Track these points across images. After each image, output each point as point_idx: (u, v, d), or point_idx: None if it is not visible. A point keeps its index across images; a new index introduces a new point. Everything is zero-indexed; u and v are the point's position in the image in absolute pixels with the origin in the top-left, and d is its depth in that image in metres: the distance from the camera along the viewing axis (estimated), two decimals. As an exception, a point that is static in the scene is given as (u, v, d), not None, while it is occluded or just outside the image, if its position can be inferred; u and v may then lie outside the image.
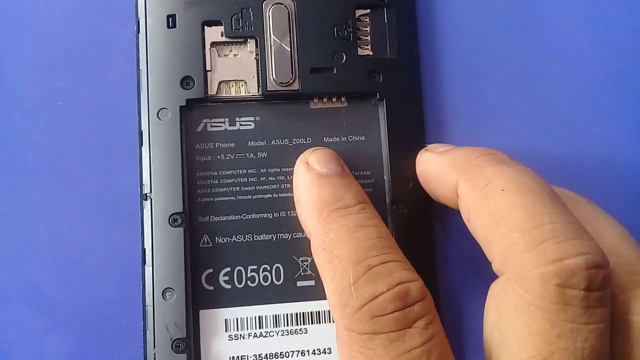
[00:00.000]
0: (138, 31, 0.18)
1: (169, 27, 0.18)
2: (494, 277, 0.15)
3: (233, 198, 0.18)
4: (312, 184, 0.16)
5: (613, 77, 0.20)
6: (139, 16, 0.18)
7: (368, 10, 0.19)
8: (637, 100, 0.20)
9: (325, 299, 0.17)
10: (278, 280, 0.18)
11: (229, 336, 0.18)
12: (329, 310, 0.18)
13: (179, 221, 0.18)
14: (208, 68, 0.18)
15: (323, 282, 0.15)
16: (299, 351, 0.18)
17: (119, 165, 0.19)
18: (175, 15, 0.18)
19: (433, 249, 0.19)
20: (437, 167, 0.17)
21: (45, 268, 0.18)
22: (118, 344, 0.18)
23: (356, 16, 0.19)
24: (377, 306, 0.14)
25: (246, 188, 0.18)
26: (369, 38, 0.19)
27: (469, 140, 0.19)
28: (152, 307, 0.17)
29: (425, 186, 0.18)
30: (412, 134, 0.19)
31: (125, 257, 0.18)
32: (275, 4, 0.18)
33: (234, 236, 0.18)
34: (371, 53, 0.19)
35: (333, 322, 0.18)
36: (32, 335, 0.18)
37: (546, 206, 0.14)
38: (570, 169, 0.20)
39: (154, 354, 0.17)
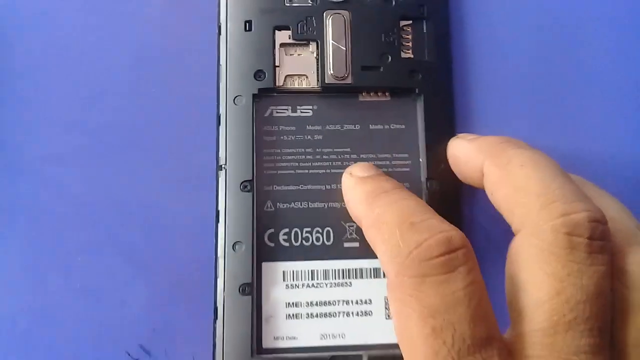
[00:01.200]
0: (219, 33, 0.23)
1: (245, 30, 0.22)
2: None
3: (292, 171, 0.22)
4: (355, 185, 0.20)
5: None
6: (220, 21, 0.23)
7: (410, 22, 0.23)
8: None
9: (367, 258, 0.21)
10: (328, 241, 0.21)
11: (285, 285, 0.21)
12: (370, 268, 0.21)
13: (248, 187, 0.21)
14: (277, 64, 0.22)
15: (376, 253, 0.18)
16: (343, 301, 0.21)
17: (199, 142, 0.22)
18: (251, 20, 0.22)
19: (460, 221, 0.22)
20: (466, 152, 0.20)
21: (135, 227, 0.22)
22: (192, 290, 0.22)
23: (400, 26, 0.23)
24: (424, 251, 0.16)
25: (303, 164, 0.22)
26: (410, 44, 0.23)
27: (492, 131, 0.23)
28: (223, 258, 0.21)
29: (454, 168, 0.21)
30: (444, 124, 0.22)
31: (200, 218, 0.22)
32: (334, 13, 0.22)
33: (293, 203, 0.22)
34: (412, 56, 0.22)
35: (374, 277, 0.21)
36: (119, 281, 0.22)
37: (557, 178, 0.17)
38: (590, 167, 0.23)
39: (224, 297, 0.20)
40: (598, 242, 0.16)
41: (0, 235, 0.22)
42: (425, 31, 0.23)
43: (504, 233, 0.22)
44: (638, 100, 0.24)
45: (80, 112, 0.23)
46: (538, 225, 0.16)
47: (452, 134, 0.22)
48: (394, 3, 0.22)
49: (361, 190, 0.19)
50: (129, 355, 0.21)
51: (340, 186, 0.21)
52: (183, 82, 0.23)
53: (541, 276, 0.16)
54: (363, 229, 0.19)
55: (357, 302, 0.21)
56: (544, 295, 0.16)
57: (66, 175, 0.22)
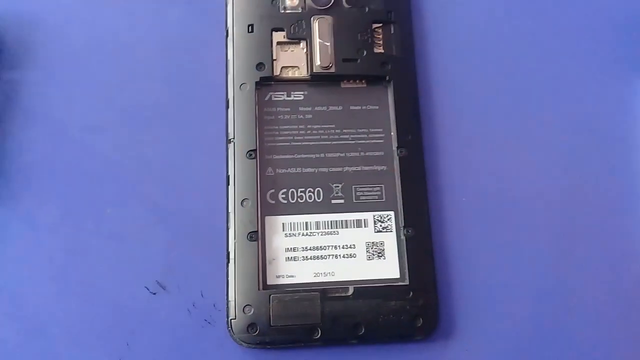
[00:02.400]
0: (227, 35, 0.28)
1: (248, 32, 0.27)
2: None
3: (288, 143, 0.27)
4: None
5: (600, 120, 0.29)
6: (228, 25, 0.28)
7: (381, 24, 0.28)
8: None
9: (351, 211, 0.26)
10: (318, 198, 0.26)
11: (285, 234, 0.26)
12: (353, 219, 0.26)
13: (253, 155, 0.26)
14: (274, 58, 0.27)
15: None
16: (332, 246, 0.26)
17: (212, 121, 0.27)
18: (253, 24, 0.27)
19: (424, 180, 0.27)
20: None
21: (158, 185, 0.26)
22: (202, 237, 0.26)
23: (373, 27, 0.28)
24: None
25: (297, 137, 0.27)
26: (381, 41, 0.28)
27: (449, 109, 0.28)
28: (234, 212, 0.25)
29: None
30: (409, 105, 0.27)
31: (212, 180, 0.26)
32: (320, 17, 0.28)
33: (289, 168, 0.26)
34: (383, 51, 0.28)
35: (356, 227, 0.26)
36: (141, 228, 0.26)
37: None
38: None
39: (235, 242, 0.25)
40: None
41: (44, 190, 0.26)
42: (392, 32, 0.28)
43: (461, 187, 0.27)
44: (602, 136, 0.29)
45: (113, 92, 0.28)
46: None
47: (416, 112, 0.27)
48: (367, 10, 0.28)
49: None
50: (147, 289, 0.25)
51: (328, 155, 0.26)
52: (198, 72, 0.28)
53: None
54: None
55: (343, 247, 0.26)
56: None
57: (100, 142, 0.27)
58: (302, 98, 0.27)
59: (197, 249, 0.26)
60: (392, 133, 0.27)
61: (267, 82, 0.27)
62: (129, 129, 0.27)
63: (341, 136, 0.27)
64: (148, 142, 0.27)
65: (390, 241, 0.26)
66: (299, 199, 0.26)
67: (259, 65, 0.27)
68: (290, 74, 0.27)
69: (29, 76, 0.28)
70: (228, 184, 0.26)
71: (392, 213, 0.26)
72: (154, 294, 0.25)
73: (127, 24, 0.29)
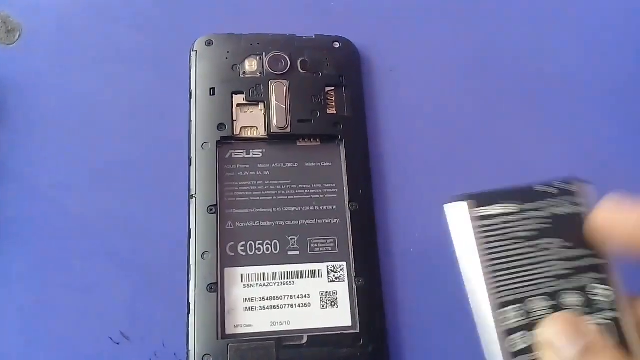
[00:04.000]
0: (190, 97, 0.30)
1: (210, 95, 0.29)
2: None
3: (247, 198, 0.28)
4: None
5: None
6: (191, 88, 0.30)
7: (333, 88, 0.31)
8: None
9: (306, 262, 0.27)
10: (275, 250, 0.28)
11: (243, 285, 0.27)
12: (308, 270, 0.27)
13: (213, 210, 0.27)
14: (234, 119, 0.29)
15: None
16: (288, 296, 0.27)
17: (175, 178, 0.29)
18: (215, 87, 0.30)
19: (374, 232, 0.29)
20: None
21: (122, 240, 0.28)
22: (164, 289, 0.27)
23: (326, 90, 0.30)
24: None
25: (255, 192, 0.28)
26: (334, 103, 0.30)
27: (398, 164, 0.30)
28: (194, 265, 0.27)
29: (612, 234, 0.21)
30: (360, 162, 0.30)
31: (174, 234, 0.28)
32: (277, 82, 0.30)
33: (247, 222, 0.28)
34: (335, 112, 0.30)
35: (311, 277, 0.27)
36: (107, 281, 0.27)
37: None
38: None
39: (195, 294, 0.26)
40: None
41: (13, 245, 0.28)
42: (344, 95, 0.31)
43: (409, 238, 0.29)
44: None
45: (81, 151, 0.29)
46: None
47: (367, 169, 0.30)
48: (320, 75, 0.30)
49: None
50: (112, 339, 0.26)
51: (284, 209, 0.28)
52: (162, 132, 0.30)
53: None
54: None
55: (298, 297, 0.27)
56: None
57: (68, 199, 0.28)
58: (260, 156, 0.29)
59: (160, 300, 0.27)
60: (344, 188, 0.29)
61: (227, 141, 0.29)
62: (96, 186, 0.29)
63: (297, 191, 0.29)
64: (115, 198, 0.29)
65: (342, 290, 0.27)
66: (257, 251, 0.28)
67: (220, 126, 0.29)
68: (249, 133, 0.29)
69: (3, 136, 0.29)
70: (189, 237, 0.27)
71: (344, 263, 0.28)
72: (118, 344, 0.26)
73: (95, 87, 0.30)
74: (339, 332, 0.26)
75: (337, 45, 0.31)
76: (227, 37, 0.31)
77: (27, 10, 0.31)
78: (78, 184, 0.29)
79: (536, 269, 0.21)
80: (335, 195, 0.29)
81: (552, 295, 0.21)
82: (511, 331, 0.21)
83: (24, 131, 0.29)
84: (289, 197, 0.29)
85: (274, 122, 0.29)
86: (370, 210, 0.29)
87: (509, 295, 0.21)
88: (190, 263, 0.27)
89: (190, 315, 0.26)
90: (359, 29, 0.32)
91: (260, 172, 0.29)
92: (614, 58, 0.34)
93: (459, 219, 0.22)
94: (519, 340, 0.20)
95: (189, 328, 0.26)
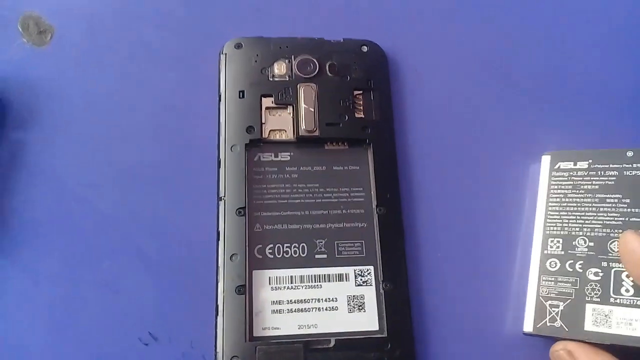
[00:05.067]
0: (219, 100, 0.30)
1: (239, 97, 0.30)
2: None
3: (275, 201, 0.28)
4: None
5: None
6: (221, 91, 0.30)
7: (361, 91, 0.31)
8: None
9: (333, 266, 0.27)
10: (303, 253, 0.28)
11: (271, 287, 0.27)
12: (336, 274, 0.27)
13: (242, 213, 0.28)
14: (263, 122, 0.29)
15: None
16: (315, 299, 0.27)
17: (204, 179, 0.29)
18: (244, 90, 0.30)
19: (402, 236, 0.29)
20: None
21: (153, 242, 0.28)
22: (192, 291, 0.28)
23: (354, 94, 0.30)
24: None
25: (284, 196, 0.29)
26: (362, 107, 0.30)
27: (425, 169, 0.30)
28: (223, 267, 0.27)
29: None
30: (388, 166, 0.30)
31: (202, 236, 0.28)
32: (305, 85, 0.30)
33: (276, 225, 0.28)
34: (363, 116, 0.30)
35: (338, 281, 0.27)
36: (136, 282, 0.28)
37: None
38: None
39: (223, 296, 0.26)
40: None
41: (43, 245, 0.28)
42: (372, 98, 0.31)
43: (437, 243, 0.29)
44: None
45: (111, 152, 0.30)
46: None
47: (395, 173, 0.30)
48: (348, 78, 0.30)
49: None
50: (140, 340, 0.27)
51: (312, 212, 0.28)
52: (192, 134, 0.30)
53: None
54: None
55: (326, 300, 0.27)
56: None
57: (98, 199, 0.29)
58: (288, 159, 0.29)
59: (188, 301, 0.27)
60: (372, 192, 0.29)
61: (256, 144, 0.29)
62: (125, 187, 0.29)
63: (324, 195, 0.29)
64: (144, 199, 0.29)
65: (370, 295, 0.27)
66: (284, 254, 0.28)
67: (249, 129, 0.29)
68: (277, 136, 0.30)
69: (33, 137, 0.30)
70: (218, 239, 0.27)
71: (371, 268, 0.28)
72: (146, 344, 0.27)
73: (125, 89, 0.31)
74: (367, 337, 0.26)
75: (365, 49, 0.31)
76: (256, 40, 0.31)
77: (58, 12, 0.32)
78: (107, 184, 0.29)
79: (586, 215, 0.28)
80: (363, 199, 0.29)
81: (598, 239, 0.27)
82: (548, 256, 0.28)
83: (55, 132, 0.30)
84: (317, 200, 0.29)
85: (303, 125, 0.29)
86: (398, 214, 0.29)
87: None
88: (219, 265, 0.27)
89: (218, 317, 0.26)
90: (386, 33, 0.32)
91: (288, 175, 0.29)
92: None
93: (543, 168, 0.29)
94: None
95: (217, 330, 0.26)
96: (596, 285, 0.26)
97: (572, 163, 0.28)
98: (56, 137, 0.30)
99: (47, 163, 0.29)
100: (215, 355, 0.26)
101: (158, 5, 0.32)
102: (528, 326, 0.27)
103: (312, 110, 0.30)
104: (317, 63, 0.30)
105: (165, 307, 0.27)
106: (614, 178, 0.28)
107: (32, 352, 0.26)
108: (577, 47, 0.34)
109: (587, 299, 0.26)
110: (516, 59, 0.33)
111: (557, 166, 0.29)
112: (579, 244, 0.27)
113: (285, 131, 0.30)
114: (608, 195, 0.27)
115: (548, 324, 0.26)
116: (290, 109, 0.30)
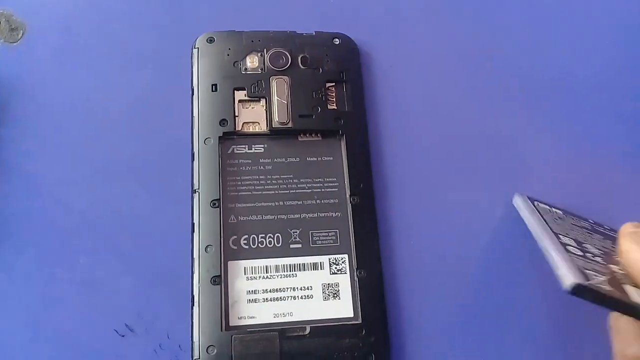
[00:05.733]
0: (192, 93, 0.30)
1: (212, 91, 0.30)
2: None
3: (249, 193, 0.29)
4: None
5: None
6: (193, 84, 0.30)
7: (334, 83, 0.31)
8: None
9: (308, 255, 0.28)
10: (278, 243, 0.28)
11: (246, 277, 0.27)
12: (310, 262, 0.28)
13: (216, 205, 0.28)
14: (236, 114, 0.30)
15: None
16: (291, 288, 0.27)
17: (178, 173, 0.29)
18: (217, 84, 0.30)
19: (375, 225, 0.29)
20: None
21: (127, 235, 0.28)
22: (167, 283, 0.28)
23: (326, 86, 0.31)
24: None
25: (258, 187, 0.29)
26: (334, 99, 0.31)
27: (398, 156, 0.31)
28: (198, 258, 0.27)
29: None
30: (360, 156, 0.30)
31: (177, 229, 0.28)
32: (278, 78, 0.30)
33: (250, 216, 0.28)
34: (336, 107, 0.30)
35: (313, 270, 0.28)
36: (111, 275, 0.28)
37: None
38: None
39: (199, 287, 0.27)
40: None
41: (19, 241, 0.28)
42: (345, 90, 0.31)
43: (409, 231, 0.29)
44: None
45: (84, 148, 0.30)
46: None
47: (367, 163, 0.30)
48: (321, 70, 0.31)
49: None
50: (117, 332, 0.27)
51: (287, 203, 0.28)
52: (165, 128, 0.30)
53: None
54: None
55: (301, 289, 0.28)
56: None
57: (73, 195, 0.29)
58: (262, 151, 0.30)
59: (164, 293, 0.28)
60: (345, 182, 0.29)
61: (229, 137, 0.29)
62: (99, 183, 0.29)
63: (299, 185, 0.29)
64: (118, 194, 0.29)
65: (344, 282, 0.28)
66: (259, 244, 0.28)
67: (222, 121, 0.29)
68: (251, 128, 0.30)
69: (7, 133, 0.30)
70: (193, 231, 0.28)
71: (346, 256, 0.28)
72: (123, 336, 0.27)
73: (98, 85, 0.31)
74: (341, 323, 0.27)
75: (337, 41, 0.32)
76: (228, 34, 0.31)
77: (30, 8, 0.32)
78: (80, 181, 0.29)
79: None
80: (337, 189, 0.29)
81: None
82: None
83: (27, 129, 0.30)
84: (291, 191, 0.29)
85: (276, 117, 0.30)
86: (371, 203, 0.29)
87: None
88: (194, 256, 0.27)
89: (194, 307, 0.26)
90: (358, 26, 0.33)
91: (262, 167, 0.29)
92: (621, 57, 0.34)
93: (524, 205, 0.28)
94: None
95: (193, 320, 0.26)
96: None
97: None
98: (29, 134, 0.30)
99: (19, 160, 0.29)
100: (192, 345, 0.26)
101: (130, 1, 0.32)
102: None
103: (285, 102, 0.30)
104: (289, 56, 0.31)
105: (141, 299, 0.27)
106: None
107: (8, 347, 0.26)
108: (554, 42, 0.34)
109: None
110: (489, 52, 0.34)
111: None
112: None
113: (259, 123, 0.30)
114: None
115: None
116: (263, 101, 0.30)
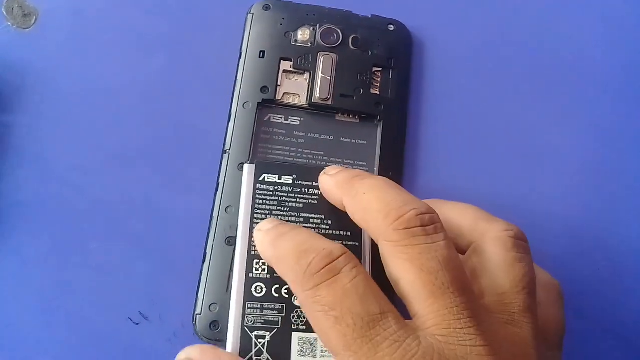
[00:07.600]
0: (240, 57, 0.30)
1: (259, 57, 0.30)
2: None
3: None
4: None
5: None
6: (242, 49, 0.30)
7: (380, 69, 0.31)
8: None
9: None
10: (297, 217, 0.28)
11: (260, 244, 0.27)
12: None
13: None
14: (279, 83, 0.30)
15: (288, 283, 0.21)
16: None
17: (214, 130, 0.29)
18: (265, 51, 0.30)
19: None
20: (329, 188, 0.24)
21: (140, 221, 0.28)
22: (182, 272, 0.27)
23: (373, 70, 0.30)
24: (312, 267, 0.20)
25: (287, 158, 0.29)
26: (378, 84, 0.30)
27: (431, 154, 0.30)
28: (216, 218, 0.27)
29: (327, 198, 0.25)
30: (395, 145, 0.30)
31: (193, 219, 0.28)
32: (325, 54, 0.30)
33: (275, 184, 0.28)
34: (378, 92, 0.30)
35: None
36: (125, 262, 0.28)
37: (390, 194, 0.22)
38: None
39: (212, 245, 0.27)
40: (430, 226, 0.20)
41: (33, 227, 0.28)
42: (390, 77, 0.31)
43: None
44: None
45: (97, 133, 0.30)
46: (385, 231, 0.21)
47: (401, 153, 0.30)
48: (370, 54, 0.31)
49: (266, 240, 0.23)
50: (131, 320, 0.27)
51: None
52: (213, 88, 0.30)
53: (402, 264, 0.20)
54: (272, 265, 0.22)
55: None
56: (411, 275, 0.20)
57: (86, 180, 0.29)
58: (298, 124, 0.30)
59: (179, 281, 0.27)
60: (375, 168, 0.29)
61: (268, 104, 0.30)
62: (113, 168, 0.29)
63: (327, 163, 0.29)
64: (132, 180, 0.29)
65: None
66: (280, 211, 0.28)
67: (264, 88, 0.29)
68: (290, 100, 0.30)
69: (21, 119, 0.29)
70: (217, 190, 0.28)
71: (363, 241, 0.28)
72: (137, 324, 0.27)
73: (111, 70, 0.31)
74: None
75: (391, 27, 0.31)
76: (285, 4, 0.31)
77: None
78: (94, 166, 0.29)
79: None
80: (366, 174, 0.29)
81: None
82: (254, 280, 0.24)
83: (41, 115, 0.30)
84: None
85: (317, 92, 0.29)
86: (398, 193, 0.29)
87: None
88: (213, 215, 0.27)
89: (204, 264, 0.27)
90: (416, 14, 0.32)
91: (295, 140, 0.29)
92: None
93: (247, 178, 0.25)
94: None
95: (202, 277, 0.26)
96: (301, 312, 0.23)
97: (276, 177, 0.25)
98: (43, 120, 0.29)
99: (34, 146, 0.29)
100: (195, 302, 0.26)
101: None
102: None
103: (329, 79, 0.30)
104: (341, 34, 0.30)
105: (155, 287, 0.28)
106: (317, 197, 0.25)
107: (22, 332, 0.27)
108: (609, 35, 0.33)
109: (293, 328, 0.23)
110: (548, 46, 0.33)
111: (262, 178, 0.25)
112: None
113: (299, 96, 0.30)
114: (312, 215, 0.25)
115: (254, 359, 0.23)
116: (307, 75, 0.30)
